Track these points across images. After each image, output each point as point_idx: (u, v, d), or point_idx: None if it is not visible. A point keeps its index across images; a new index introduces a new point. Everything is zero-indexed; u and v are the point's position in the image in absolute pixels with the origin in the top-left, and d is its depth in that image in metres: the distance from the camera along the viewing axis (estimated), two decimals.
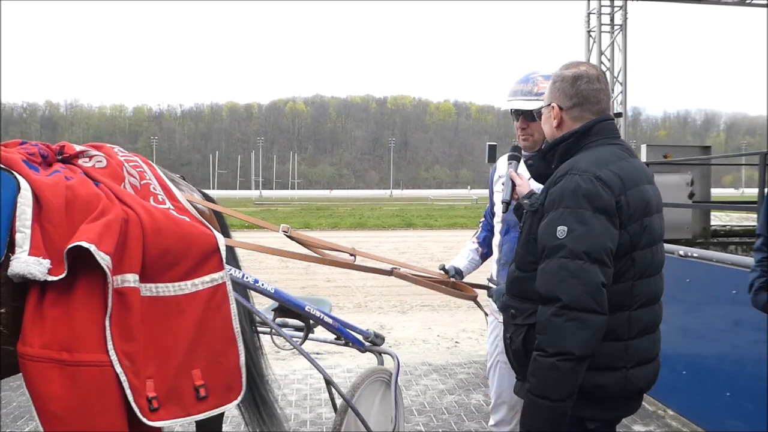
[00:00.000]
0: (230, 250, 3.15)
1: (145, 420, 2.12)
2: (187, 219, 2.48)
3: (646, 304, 2.03)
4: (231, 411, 4.43)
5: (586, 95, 2.08)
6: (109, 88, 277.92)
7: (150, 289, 2.24)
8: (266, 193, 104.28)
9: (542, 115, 2.21)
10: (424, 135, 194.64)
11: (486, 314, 3.09)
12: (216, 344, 2.36)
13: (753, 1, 13.57)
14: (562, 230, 1.89)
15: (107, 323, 2.10)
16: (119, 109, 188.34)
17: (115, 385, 2.08)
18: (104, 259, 2.07)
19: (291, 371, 5.80)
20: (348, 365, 5.92)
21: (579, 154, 2.05)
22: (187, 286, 2.31)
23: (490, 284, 2.95)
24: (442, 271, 3.07)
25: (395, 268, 3.13)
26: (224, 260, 2.41)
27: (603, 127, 2.09)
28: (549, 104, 2.15)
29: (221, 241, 2.42)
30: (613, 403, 2.01)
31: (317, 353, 6.33)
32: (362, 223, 30.73)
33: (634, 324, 1.99)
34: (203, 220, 2.55)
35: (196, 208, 2.69)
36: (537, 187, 2.68)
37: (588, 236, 1.86)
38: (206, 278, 2.35)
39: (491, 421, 3.02)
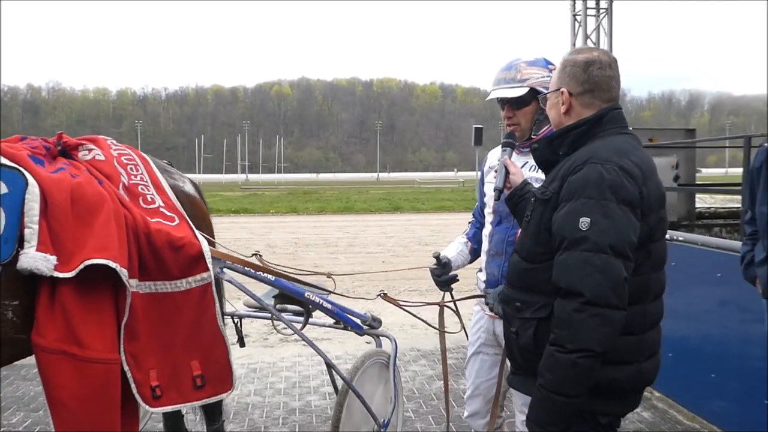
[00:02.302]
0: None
1: (147, 407, 2.39)
2: (176, 217, 2.66)
3: (658, 296, 2.00)
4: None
5: (598, 82, 2.01)
6: (91, 70, 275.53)
7: (149, 287, 2.44)
8: (253, 177, 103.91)
9: (548, 100, 2.14)
10: (410, 118, 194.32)
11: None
12: (208, 339, 2.56)
13: None
14: (585, 222, 1.81)
15: (123, 327, 2.31)
16: (102, 93, 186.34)
17: (118, 380, 2.28)
18: (125, 275, 2.28)
19: (279, 359, 5.79)
20: (336, 351, 5.90)
21: (592, 142, 1.99)
22: (182, 284, 2.50)
23: (485, 291, 2.85)
24: (435, 258, 2.97)
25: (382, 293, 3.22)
26: (210, 263, 2.57)
27: (615, 116, 2.04)
28: (558, 89, 2.07)
29: (205, 246, 2.59)
30: (626, 396, 1.98)
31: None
32: (349, 207, 30.70)
33: (648, 317, 1.96)
34: (188, 221, 2.71)
35: (184, 201, 2.85)
36: (530, 176, 2.63)
37: (613, 229, 1.80)
38: (197, 277, 2.53)
39: (465, 412, 3.00)
